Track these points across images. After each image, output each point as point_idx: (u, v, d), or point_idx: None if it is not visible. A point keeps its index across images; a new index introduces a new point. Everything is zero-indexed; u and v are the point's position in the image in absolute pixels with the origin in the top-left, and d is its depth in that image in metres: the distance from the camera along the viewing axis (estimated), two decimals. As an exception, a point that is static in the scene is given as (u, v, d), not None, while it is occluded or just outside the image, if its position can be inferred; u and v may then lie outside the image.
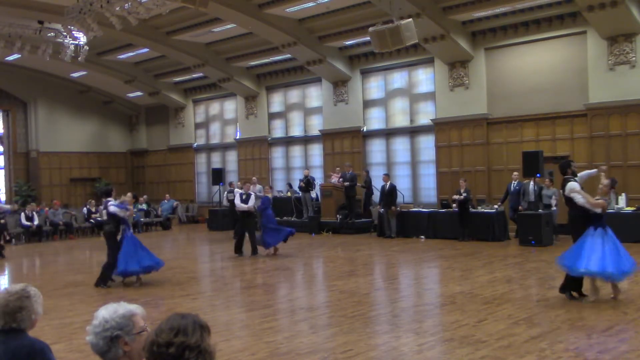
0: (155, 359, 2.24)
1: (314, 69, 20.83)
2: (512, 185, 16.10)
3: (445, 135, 18.64)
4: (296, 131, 23.25)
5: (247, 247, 14.97)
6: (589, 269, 8.30)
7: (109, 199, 11.54)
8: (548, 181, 15.47)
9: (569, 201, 8.88)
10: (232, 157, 25.67)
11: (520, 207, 15.54)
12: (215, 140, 26.59)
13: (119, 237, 11.26)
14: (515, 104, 17.24)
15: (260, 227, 14.97)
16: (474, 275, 11.13)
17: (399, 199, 18.58)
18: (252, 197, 14.89)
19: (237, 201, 15.07)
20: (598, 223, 8.59)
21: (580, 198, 8.71)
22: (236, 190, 18.31)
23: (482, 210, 16.46)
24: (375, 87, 20.79)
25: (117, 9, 14.13)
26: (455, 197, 16.30)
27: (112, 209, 11.24)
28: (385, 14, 15.84)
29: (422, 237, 17.19)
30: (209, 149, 26.80)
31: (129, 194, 12.16)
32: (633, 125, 15.36)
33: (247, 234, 14.91)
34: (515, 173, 16.23)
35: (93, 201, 23.29)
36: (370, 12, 17.21)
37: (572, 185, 8.86)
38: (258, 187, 18.91)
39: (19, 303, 3.24)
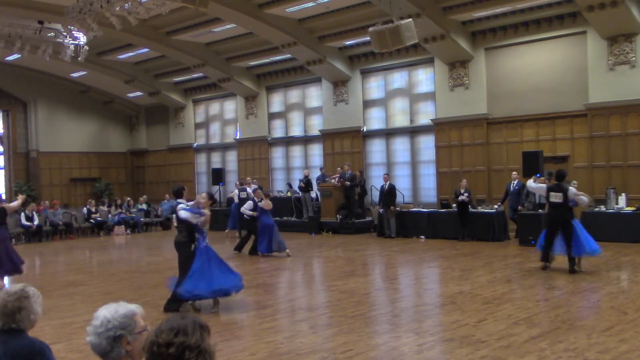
0: (155, 359, 2.24)
1: (314, 69, 20.83)
2: (512, 185, 16.10)
3: (445, 135, 18.64)
4: (296, 131, 23.24)
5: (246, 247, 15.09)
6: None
7: (180, 200, 9.49)
8: (547, 182, 15.45)
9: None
10: (232, 157, 25.67)
11: (520, 207, 15.54)
12: (215, 140, 26.58)
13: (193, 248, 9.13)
14: (515, 104, 17.24)
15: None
16: (474, 275, 11.13)
17: (399, 199, 18.59)
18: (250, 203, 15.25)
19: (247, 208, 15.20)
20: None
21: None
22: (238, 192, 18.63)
23: (482, 210, 16.46)
24: (375, 87, 20.79)
25: (117, 9, 14.12)
26: (460, 198, 16.21)
27: (182, 214, 9.01)
28: (385, 14, 15.83)
29: (422, 237, 17.19)
30: (209, 149, 26.80)
31: (204, 194, 9.48)
32: (633, 125, 15.37)
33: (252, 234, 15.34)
34: (514, 173, 16.24)
35: (93, 201, 23.31)
36: (370, 12, 17.21)
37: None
38: (254, 186, 18.89)
39: (17, 303, 3.24)
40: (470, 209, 16.36)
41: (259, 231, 14.60)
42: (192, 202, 9.33)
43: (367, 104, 20.97)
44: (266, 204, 14.67)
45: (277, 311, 8.95)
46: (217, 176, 22.65)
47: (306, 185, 20.25)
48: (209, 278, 8.57)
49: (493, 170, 17.72)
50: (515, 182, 16.07)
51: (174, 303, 8.78)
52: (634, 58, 15.27)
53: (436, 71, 18.86)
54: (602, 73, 15.72)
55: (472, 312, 8.12)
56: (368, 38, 15.56)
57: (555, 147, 16.68)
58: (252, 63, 23.02)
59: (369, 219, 19.36)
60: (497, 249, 14.57)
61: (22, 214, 20.45)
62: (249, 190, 18.48)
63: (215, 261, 8.87)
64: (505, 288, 9.82)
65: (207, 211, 8.98)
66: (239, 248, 15.40)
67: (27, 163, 27.01)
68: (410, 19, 14.04)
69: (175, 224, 9.68)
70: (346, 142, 21.26)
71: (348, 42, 19.92)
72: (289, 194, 21.51)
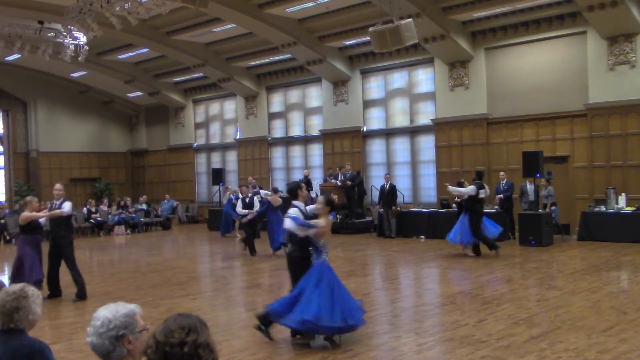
0: (167, 359, 2.26)
1: (314, 69, 20.83)
2: (501, 184, 16.25)
3: (445, 135, 18.64)
4: (296, 131, 23.25)
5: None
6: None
7: (296, 203, 7.32)
8: (544, 181, 15.49)
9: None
10: (232, 157, 25.68)
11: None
12: (215, 140, 26.59)
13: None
14: (515, 104, 17.24)
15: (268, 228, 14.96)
16: (474, 275, 11.13)
17: (399, 199, 18.60)
18: (256, 200, 15.02)
19: (239, 207, 15.15)
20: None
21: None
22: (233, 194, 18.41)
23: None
24: (375, 87, 20.79)
25: (117, 9, 14.13)
26: (458, 199, 16.22)
27: (287, 224, 7.09)
28: (385, 14, 15.83)
29: (422, 237, 17.18)
30: (209, 149, 26.80)
31: (321, 199, 7.29)
32: (633, 125, 15.37)
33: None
34: (501, 173, 16.46)
35: (93, 201, 23.30)
36: (370, 12, 17.21)
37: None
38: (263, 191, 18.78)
39: (15, 303, 3.24)
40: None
41: (270, 228, 14.61)
42: (312, 207, 7.45)
43: (367, 104, 20.97)
44: (274, 199, 14.73)
45: (277, 311, 8.93)
46: (217, 176, 22.67)
47: (306, 185, 20.18)
48: (333, 308, 6.63)
49: (493, 170, 17.71)
50: (504, 182, 16.19)
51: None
52: (634, 58, 15.27)
53: (436, 71, 18.87)
54: (602, 73, 15.72)
55: (472, 312, 8.12)
56: (368, 38, 15.56)
57: (555, 147, 16.69)
58: (252, 63, 23.02)
59: (369, 219, 19.35)
60: (497, 249, 14.55)
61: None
62: (262, 192, 17.72)
63: (337, 285, 6.93)
64: (505, 288, 9.82)
65: (322, 221, 7.01)
66: (253, 251, 14.94)
67: (27, 163, 27.03)
68: (410, 19, 14.04)
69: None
70: (346, 142, 21.26)
71: (348, 42, 19.92)
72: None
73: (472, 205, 13.37)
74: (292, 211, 7.09)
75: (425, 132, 19.46)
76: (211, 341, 2.32)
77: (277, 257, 14.33)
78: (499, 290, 9.63)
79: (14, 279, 9.49)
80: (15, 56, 22.49)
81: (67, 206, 10.11)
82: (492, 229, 13.62)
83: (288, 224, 7.05)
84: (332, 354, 6.53)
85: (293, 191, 7.44)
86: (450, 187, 14.14)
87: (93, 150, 28.33)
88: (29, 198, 10.12)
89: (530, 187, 15.28)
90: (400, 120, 20.20)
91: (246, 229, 15.21)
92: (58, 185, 10.38)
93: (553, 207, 15.35)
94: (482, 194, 13.50)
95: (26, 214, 9.90)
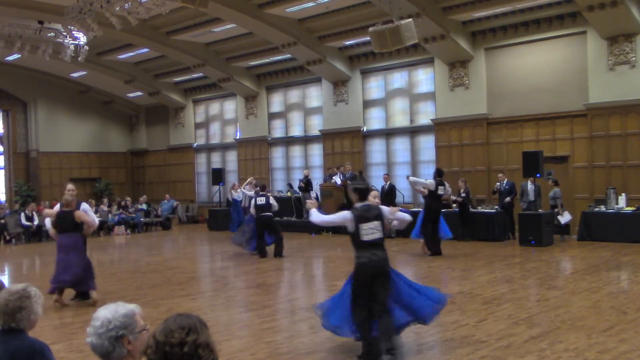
0: (168, 359, 2.27)
1: (314, 69, 20.83)
2: (502, 185, 16.24)
3: (445, 135, 18.64)
4: (296, 131, 23.25)
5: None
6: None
7: (368, 202, 6.49)
8: (551, 182, 15.49)
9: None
10: (232, 157, 25.68)
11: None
12: (215, 140, 26.59)
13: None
14: (515, 104, 17.25)
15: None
16: (474, 275, 11.12)
17: (399, 199, 18.59)
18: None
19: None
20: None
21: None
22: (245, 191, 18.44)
23: (482, 210, 16.45)
24: (375, 87, 20.79)
25: (117, 9, 14.14)
26: (455, 198, 16.26)
27: (408, 217, 6.71)
28: (385, 14, 15.84)
29: (422, 237, 17.14)
30: (209, 149, 26.81)
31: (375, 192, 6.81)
32: (633, 125, 15.37)
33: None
34: (500, 175, 16.52)
35: (93, 201, 23.28)
36: (370, 12, 17.21)
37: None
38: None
39: (19, 303, 3.24)
40: (471, 209, 16.35)
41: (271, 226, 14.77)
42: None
43: (367, 104, 20.97)
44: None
45: (277, 311, 8.95)
46: (217, 176, 22.67)
47: (306, 185, 20.24)
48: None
49: (493, 170, 17.72)
50: (505, 182, 16.21)
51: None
52: (634, 58, 15.27)
53: (436, 71, 18.87)
54: (602, 73, 15.72)
55: (472, 312, 8.12)
56: (368, 38, 15.56)
57: (555, 147, 16.69)
58: (252, 63, 23.03)
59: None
60: (497, 249, 14.56)
61: (22, 214, 20.46)
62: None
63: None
64: (505, 288, 9.82)
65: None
66: (279, 253, 14.58)
67: (27, 163, 27.03)
68: (410, 19, 14.04)
69: (373, 236, 6.25)
70: (346, 142, 21.26)
71: (348, 42, 19.92)
72: (289, 194, 21.51)
73: (428, 201, 13.76)
74: (387, 207, 6.55)
75: (425, 132, 19.46)
76: (211, 341, 2.32)
77: (275, 258, 14.32)
78: (499, 290, 9.63)
79: (83, 283, 9.43)
80: (15, 56, 22.49)
81: (88, 210, 9.93)
82: (442, 231, 13.74)
83: (407, 217, 6.63)
84: (332, 353, 6.53)
85: (366, 192, 6.58)
86: (411, 177, 15.00)
87: (93, 150, 28.33)
88: (69, 197, 9.83)
89: (530, 187, 15.29)
90: (400, 120, 20.20)
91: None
92: (70, 186, 10.09)
93: (556, 210, 15.31)
94: (441, 191, 13.81)
95: (83, 213, 9.50)
